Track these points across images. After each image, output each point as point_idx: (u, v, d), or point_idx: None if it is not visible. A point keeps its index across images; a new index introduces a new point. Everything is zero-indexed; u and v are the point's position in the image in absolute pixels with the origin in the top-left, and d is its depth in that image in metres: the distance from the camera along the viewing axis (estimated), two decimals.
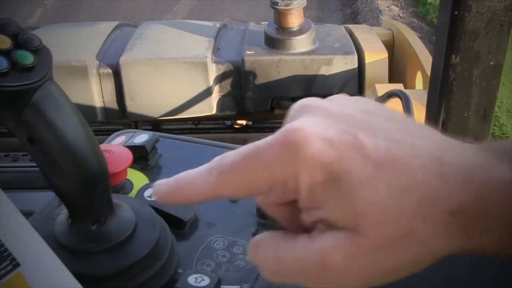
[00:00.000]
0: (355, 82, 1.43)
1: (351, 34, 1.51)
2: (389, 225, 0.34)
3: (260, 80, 1.41)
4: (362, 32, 1.52)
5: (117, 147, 0.67)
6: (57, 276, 0.50)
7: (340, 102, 0.39)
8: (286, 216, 0.41)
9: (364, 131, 0.36)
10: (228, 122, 1.61)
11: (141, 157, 0.70)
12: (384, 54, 1.43)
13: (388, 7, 4.30)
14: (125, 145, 0.70)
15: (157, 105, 1.42)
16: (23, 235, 0.51)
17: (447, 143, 0.37)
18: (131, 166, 0.67)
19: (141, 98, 1.41)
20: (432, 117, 0.94)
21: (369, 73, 1.41)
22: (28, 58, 0.51)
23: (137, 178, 0.68)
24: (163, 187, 0.41)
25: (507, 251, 0.35)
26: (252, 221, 0.64)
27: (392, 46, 1.54)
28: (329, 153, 0.35)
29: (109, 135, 0.93)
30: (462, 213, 0.34)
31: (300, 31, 1.42)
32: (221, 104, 1.44)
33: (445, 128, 0.91)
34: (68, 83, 1.38)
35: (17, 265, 0.49)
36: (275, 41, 1.42)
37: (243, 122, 1.60)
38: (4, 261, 0.49)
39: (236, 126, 1.61)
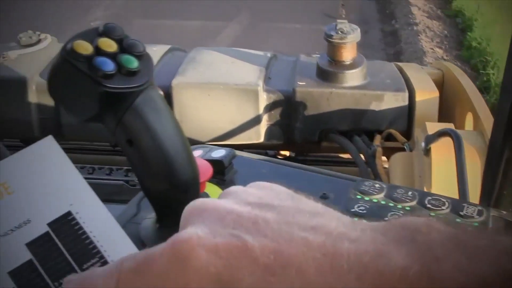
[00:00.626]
0: (404, 120, 1.44)
1: (402, 72, 1.52)
2: None
3: (310, 111, 1.42)
4: (412, 70, 1.54)
5: (197, 160, 0.68)
6: None
7: (233, 198, 0.40)
8: None
9: (252, 233, 0.36)
10: (271, 152, 1.62)
11: (218, 172, 0.71)
12: (435, 93, 1.44)
13: (432, 48, 4.34)
14: (203, 158, 0.71)
15: (206, 129, 1.44)
16: (112, 235, 0.52)
17: (343, 230, 0.36)
18: (208, 180, 0.68)
19: (190, 121, 1.42)
20: (494, 155, 0.94)
21: (419, 111, 1.42)
22: (133, 63, 0.53)
23: (214, 192, 0.69)
24: (70, 286, 0.44)
25: None
26: None
27: (441, 85, 1.55)
28: (216, 263, 0.35)
29: None
30: None
31: (353, 65, 1.43)
32: (269, 133, 1.46)
33: (509, 166, 0.91)
34: None
35: (105, 263, 0.51)
36: (327, 73, 1.43)
37: (287, 153, 1.61)
38: (93, 258, 0.51)
39: (279, 157, 1.62)
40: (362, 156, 1.38)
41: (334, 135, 1.43)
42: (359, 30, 1.42)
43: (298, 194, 0.41)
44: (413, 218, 0.36)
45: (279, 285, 0.34)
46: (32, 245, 0.51)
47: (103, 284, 0.40)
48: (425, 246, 0.34)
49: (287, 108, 1.44)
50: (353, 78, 1.43)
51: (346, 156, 1.53)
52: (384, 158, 1.40)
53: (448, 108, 1.51)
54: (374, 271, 0.33)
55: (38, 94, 1.43)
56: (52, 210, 0.53)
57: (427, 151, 1.22)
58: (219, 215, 0.38)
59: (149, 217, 0.59)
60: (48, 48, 1.58)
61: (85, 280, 0.43)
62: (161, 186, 0.54)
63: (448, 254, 0.33)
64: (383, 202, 0.65)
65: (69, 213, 0.53)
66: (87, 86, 0.51)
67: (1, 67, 1.46)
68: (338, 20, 1.41)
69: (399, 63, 1.61)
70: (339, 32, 1.40)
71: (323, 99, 1.42)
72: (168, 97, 1.41)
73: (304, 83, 1.44)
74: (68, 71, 0.52)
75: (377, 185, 0.67)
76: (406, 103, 1.42)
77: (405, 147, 1.39)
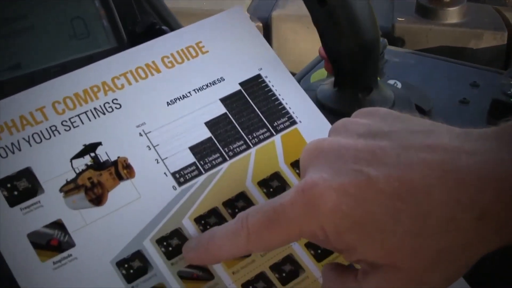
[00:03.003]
0: (502, 59, 1.44)
1: (500, 13, 1.52)
2: (421, 251, 0.35)
3: (407, 47, 1.44)
4: (511, 13, 1.54)
5: None
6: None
7: (343, 132, 0.41)
8: (330, 247, 0.42)
9: (373, 164, 0.37)
10: None
11: None
12: None
13: None
14: None
15: (304, 63, 1.46)
16: (298, 99, 0.56)
17: (458, 144, 0.36)
18: None
19: (288, 54, 1.45)
20: None
21: None
22: None
23: None
24: (193, 254, 0.46)
25: None
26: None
27: None
28: (346, 200, 0.36)
29: None
30: (488, 215, 0.34)
31: (453, 2, 1.45)
32: None
33: None
34: None
35: (294, 122, 0.54)
36: (427, 10, 1.45)
37: None
38: (283, 118, 0.54)
39: None
40: None
41: None
42: None
43: (403, 114, 0.42)
44: None
45: (409, 209, 0.35)
46: (226, 101, 0.55)
47: (231, 245, 0.42)
48: None
49: None
50: (452, 15, 1.44)
51: None
52: None
53: None
54: (495, 178, 0.34)
55: None
56: (243, 71, 0.56)
57: None
58: (337, 153, 0.39)
59: (324, 83, 0.62)
60: None
61: (209, 245, 0.44)
62: (347, 45, 0.57)
63: None
64: None
65: (259, 76, 0.57)
66: None
67: None
68: None
69: (497, 6, 1.61)
70: None
71: (422, 35, 1.43)
72: (267, 29, 1.45)
73: (403, 19, 1.45)
74: None
75: None
76: (505, 42, 1.43)
77: None
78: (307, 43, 1.44)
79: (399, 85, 0.70)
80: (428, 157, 0.36)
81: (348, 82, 0.60)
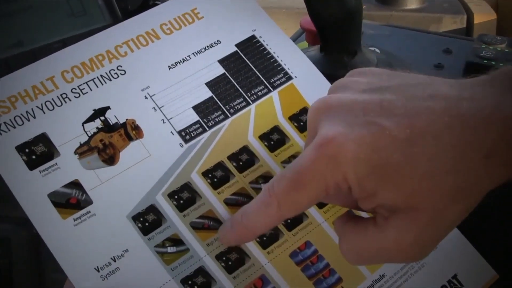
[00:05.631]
0: None
1: None
2: (437, 191, 0.39)
3: None
4: None
5: None
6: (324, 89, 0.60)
7: (347, 89, 0.44)
8: (347, 203, 0.48)
9: (383, 116, 0.40)
10: None
11: None
12: (493, 16, 1.53)
13: None
14: None
15: None
16: (292, 55, 0.62)
17: (456, 92, 0.40)
18: None
19: None
20: None
21: (476, 34, 1.50)
22: None
23: None
24: (231, 235, 0.49)
25: None
26: None
27: (496, 11, 1.63)
28: (364, 150, 0.39)
29: None
30: (494, 153, 0.38)
31: None
32: None
33: None
34: None
35: (289, 78, 0.60)
36: None
37: None
38: (279, 74, 0.60)
39: None
40: None
41: None
42: None
43: (395, 71, 0.44)
44: (508, 69, 0.40)
45: (423, 153, 0.38)
46: (223, 62, 0.60)
47: (265, 216, 0.45)
48: None
49: None
50: (412, 1, 1.52)
51: None
52: None
53: (504, 31, 1.59)
54: (497, 120, 0.37)
55: None
56: (238, 33, 0.62)
57: None
58: (347, 108, 0.42)
59: (311, 50, 0.68)
60: None
61: (244, 222, 0.47)
62: (333, 12, 0.63)
63: None
64: (506, 50, 0.75)
65: (253, 37, 0.62)
66: None
67: None
68: None
69: None
70: None
71: (383, 22, 1.50)
72: None
73: (364, 7, 1.52)
74: None
75: (498, 38, 0.77)
76: (464, 25, 1.51)
77: None
78: None
79: (378, 51, 0.77)
80: (432, 105, 0.39)
81: (334, 46, 0.66)
